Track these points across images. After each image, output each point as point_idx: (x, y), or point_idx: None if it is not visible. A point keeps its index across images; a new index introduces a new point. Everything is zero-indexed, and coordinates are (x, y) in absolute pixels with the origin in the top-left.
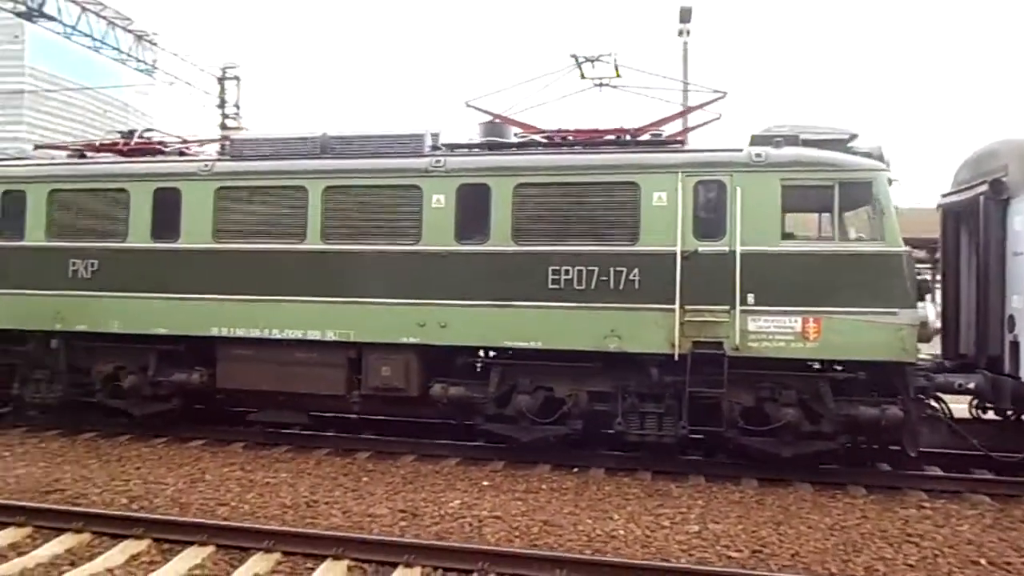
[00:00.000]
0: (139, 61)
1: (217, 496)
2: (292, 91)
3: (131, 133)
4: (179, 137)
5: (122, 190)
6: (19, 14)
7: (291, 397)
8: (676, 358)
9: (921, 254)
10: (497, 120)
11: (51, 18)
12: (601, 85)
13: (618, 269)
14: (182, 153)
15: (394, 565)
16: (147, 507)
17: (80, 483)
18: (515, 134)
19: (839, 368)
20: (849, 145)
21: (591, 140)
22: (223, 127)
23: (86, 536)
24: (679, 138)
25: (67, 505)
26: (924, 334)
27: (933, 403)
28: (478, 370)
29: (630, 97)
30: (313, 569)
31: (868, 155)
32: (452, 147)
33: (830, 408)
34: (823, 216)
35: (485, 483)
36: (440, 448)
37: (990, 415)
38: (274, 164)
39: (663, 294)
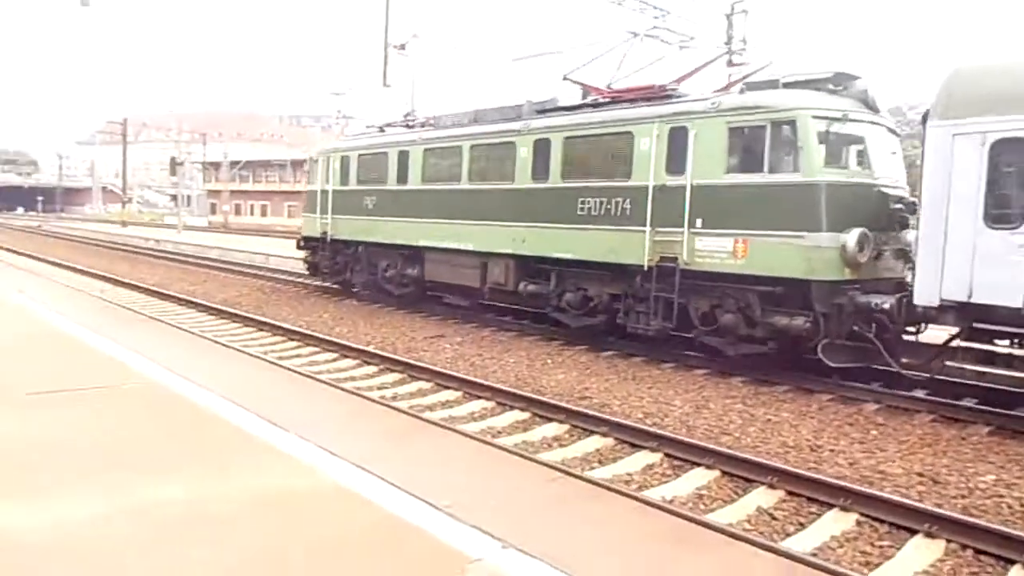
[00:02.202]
0: (655, 9)
1: (720, 425)
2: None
3: (408, 115)
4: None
5: (383, 154)
6: None
7: (457, 287)
8: (646, 269)
9: None
10: (581, 86)
11: None
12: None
13: (616, 200)
14: (408, 127)
15: (912, 531)
16: (658, 424)
17: (604, 394)
18: (587, 97)
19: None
20: (830, 86)
21: (616, 98)
22: (729, 64)
23: (610, 441)
24: (668, 91)
25: (594, 411)
26: (848, 258)
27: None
28: (545, 274)
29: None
30: (818, 515)
31: (859, 93)
32: (537, 111)
33: (758, 317)
34: (763, 151)
35: None
36: (957, 410)
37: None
38: (449, 131)
39: (642, 219)
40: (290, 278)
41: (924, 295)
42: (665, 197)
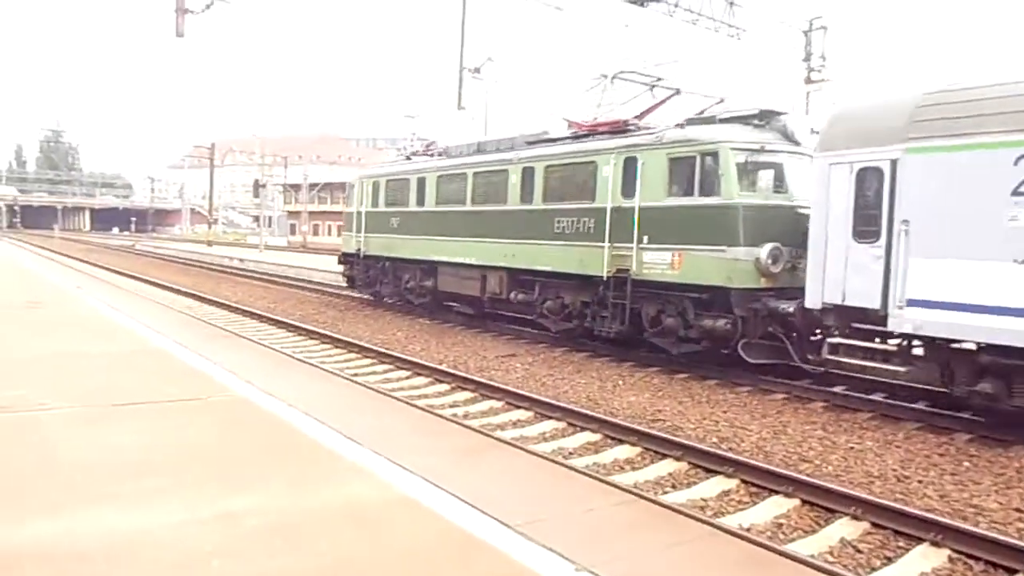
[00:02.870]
0: (729, 27)
1: (799, 451)
2: (885, 37)
3: (429, 145)
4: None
5: (406, 180)
6: (631, 0)
7: (464, 296)
8: (606, 279)
9: None
10: (568, 121)
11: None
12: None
13: (584, 219)
14: (429, 155)
15: (1011, 571)
16: (734, 449)
17: (677, 417)
18: (569, 130)
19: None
20: (755, 122)
21: (591, 131)
22: (808, 81)
23: (684, 465)
24: (628, 126)
25: (667, 434)
26: (761, 269)
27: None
28: (531, 284)
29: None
30: (906, 550)
31: (780, 127)
32: (527, 143)
33: (692, 319)
34: (694, 177)
35: None
36: None
37: None
38: (457, 160)
39: (602, 236)
40: (364, 297)
41: (811, 299)
42: (620, 217)
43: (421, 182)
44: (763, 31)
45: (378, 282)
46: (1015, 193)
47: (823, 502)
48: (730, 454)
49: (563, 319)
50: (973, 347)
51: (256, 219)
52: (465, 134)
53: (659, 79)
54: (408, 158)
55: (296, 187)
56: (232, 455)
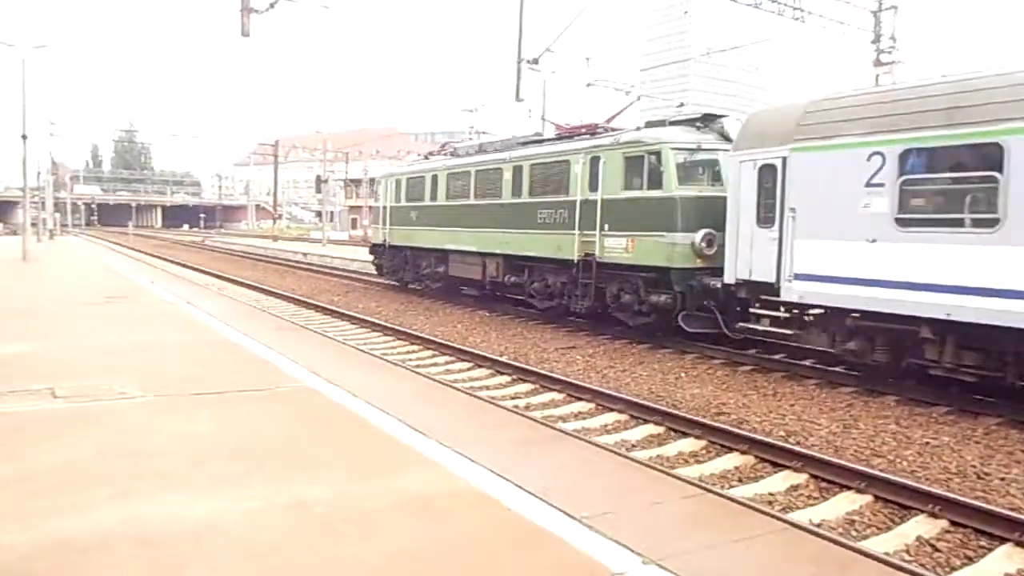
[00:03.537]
0: (794, 9)
1: (872, 447)
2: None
3: (444, 145)
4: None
5: (423, 177)
6: None
7: (470, 280)
8: (576, 262)
9: None
10: (554, 124)
11: None
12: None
13: (560, 211)
14: (443, 153)
15: None
16: (803, 443)
17: (742, 410)
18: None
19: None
20: (697, 124)
21: (571, 134)
22: (877, 63)
23: (750, 459)
24: (598, 128)
25: (733, 427)
26: (697, 251)
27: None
28: (522, 268)
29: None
30: (989, 550)
31: (718, 128)
32: (519, 143)
33: (643, 295)
34: (643, 173)
35: None
36: None
37: None
38: (464, 159)
39: (573, 225)
40: (425, 289)
41: (728, 275)
42: (587, 208)
43: (435, 179)
44: (829, 12)
45: (401, 269)
46: (868, 184)
47: (898, 498)
48: (798, 448)
49: (546, 298)
50: (843, 312)
51: (318, 214)
52: (522, 127)
53: (631, 86)
54: (426, 158)
55: (357, 182)
56: (301, 444)
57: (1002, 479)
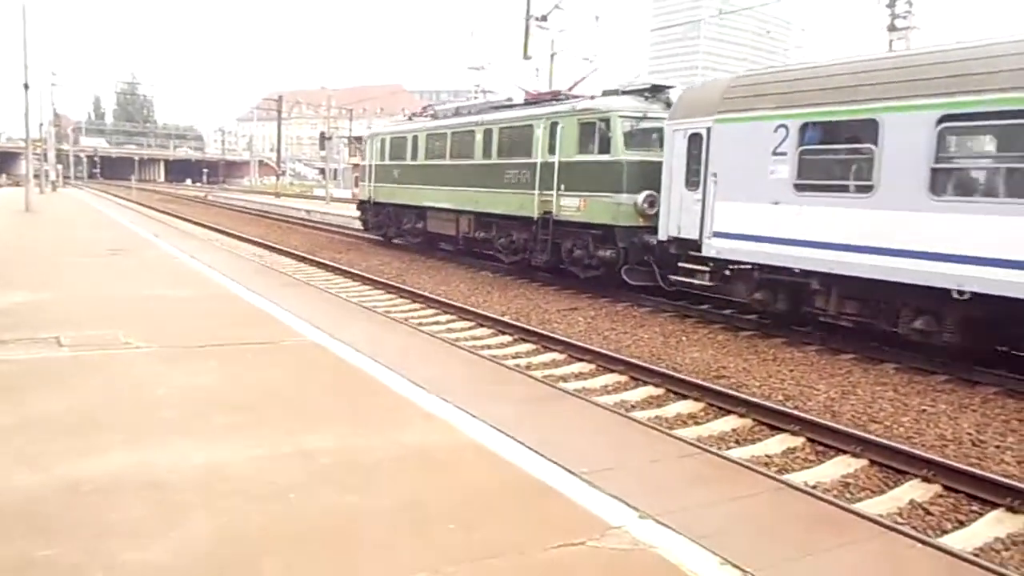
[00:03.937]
0: None
1: (869, 412)
2: None
3: (426, 107)
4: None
5: (405, 138)
6: None
7: (445, 236)
8: (536, 219)
9: None
10: (523, 90)
11: None
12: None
13: (523, 172)
14: (425, 115)
15: None
16: (800, 407)
17: (741, 374)
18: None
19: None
20: (646, 94)
21: (535, 100)
22: (891, 29)
23: (748, 421)
24: (559, 96)
25: (731, 390)
26: (639, 211)
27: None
28: (490, 225)
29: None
30: (980, 514)
31: (664, 99)
32: (492, 107)
33: (592, 251)
34: (595, 138)
35: None
36: None
37: None
38: (442, 122)
39: (533, 185)
40: (428, 249)
41: (662, 233)
42: (546, 170)
43: (415, 140)
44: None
45: (386, 225)
46: (774, 153)
47: (893, 463)
48: (796, 412)
49: (511, 253)
50: (751, 266)
51: (322, 171)
52: (529, 84)
53: (594, 56)
54: (410, 119)
55: (360, 139)
56: (305, 397)
57: (997, 446)
